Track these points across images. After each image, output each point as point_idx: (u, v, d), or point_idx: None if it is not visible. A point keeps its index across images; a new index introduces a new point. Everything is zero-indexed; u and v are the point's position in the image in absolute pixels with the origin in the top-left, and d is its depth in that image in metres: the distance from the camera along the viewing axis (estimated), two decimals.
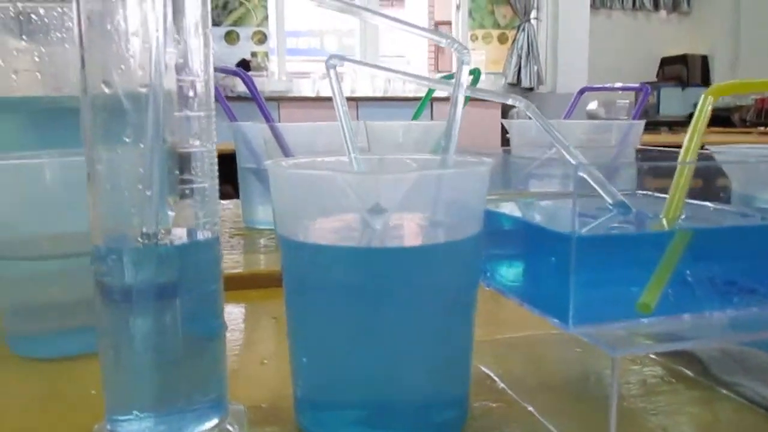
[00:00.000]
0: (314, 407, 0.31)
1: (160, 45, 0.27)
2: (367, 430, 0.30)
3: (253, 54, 3.71)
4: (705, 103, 0.39)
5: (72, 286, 0.42)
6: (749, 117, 3.76)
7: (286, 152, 0.64)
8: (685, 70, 4.43)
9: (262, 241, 0.71)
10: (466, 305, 0.30)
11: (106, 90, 0.27)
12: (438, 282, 0.28)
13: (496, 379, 0.37)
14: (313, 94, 3.67)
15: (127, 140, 0.28)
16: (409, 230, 0.28)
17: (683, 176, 0.34)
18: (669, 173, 0.36)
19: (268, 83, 3.60)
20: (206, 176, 0.29)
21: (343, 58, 0.39)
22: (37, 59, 0.60)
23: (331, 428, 0.30)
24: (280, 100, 3.36)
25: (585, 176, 0.31)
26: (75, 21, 0.28)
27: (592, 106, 3.50)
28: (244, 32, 3.70)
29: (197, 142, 0.28)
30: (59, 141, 0.57)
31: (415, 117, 0.80)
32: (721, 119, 3.80)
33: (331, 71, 0.38)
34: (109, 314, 0.29)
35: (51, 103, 0.62)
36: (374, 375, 0.29)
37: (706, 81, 4.43)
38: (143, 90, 0.28)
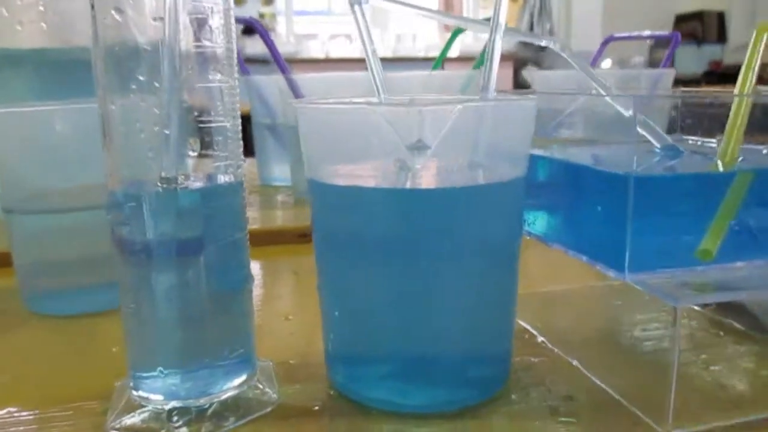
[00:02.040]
0: (347, 362, 0.29)
1: None
2: (403, 386, 0.28)
3: (261, 15, 3.64)
4: (758, 39, 0.36)
5: (89, 242, 0.41)
6: (765, 75, 3.66)
7: None
8: (701, 27, 4.31)
9: (279, 198, 0.69)
10: (509, 254, 0.28)
11: (118, 18, 0.25)
12: (479, 228, 0.26)
13: (534, 333, 0.35)
14: (322, 56, 3.61)
15: (142, 78, 0.26)
16: (450, 170, 0.25)
17: (740, 113, 0.32)
18: (714, 117, 0.34)
19: (276, 45, 3.53)
20: (227, 115, 0.27)
21: None
22: (42, 9, 0.58)
23: (364, 384, 0.29)
24: (289, 62, 3.30)
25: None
26: None
27: (606, 64, 3.42)
28: None
29: (218, 76, 0.26)
30: (67, 95, 0.55)
31: (435, 67, 0.77)
32: (736, 77, 3.70)
33: (356, 7, 0.35)
34: (129, 265, 0.27)
35: (58, 55, 0.59)
36: (411, 328, 0.27)
37: (722, 38, 4.32)
38: (157, 22, 0.25)
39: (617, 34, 0.82)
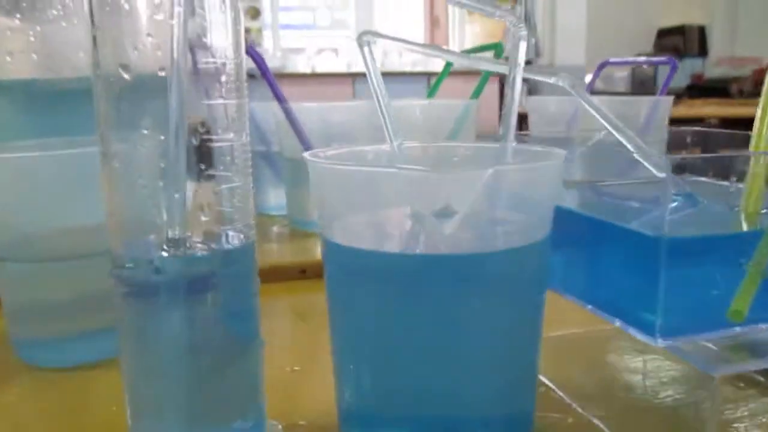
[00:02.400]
0: (364, 423, 0.28)
1: (182, 21, 0.24)
2: None
3: (247, 30, 3.63)
4: None
5: (84, 285, 0.39)
6: (746, 88, 3.71)
7: (300, 135, 0.60)
8: (682, 41, 4.37)
9: (275, 229, 0.68)
10: (533, 312, 0.27)
11: (125, 75, 0.23)
12: (504, 290, 0.25)
13: (550, 385, 0.34)
14: (308, 71, 3.60)
15: (146, 132, 0.25)
16: (474, 234, 0.24)
17: (759, 165, 0.31)
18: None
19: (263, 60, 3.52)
20: (239, 173, 0.26)
21: (377, 35, 0.35)
22: (32, 39, 0.56)
23: None
24: (276, 76, 3.29)
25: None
26: None
27: (587, 79, 3.44)
28: None
29: (230, 135, 0.25)
30: (58, 127, 0.53)
31: (430, 95, 0.76)
32: (718, 90, 3.75)
33: (365, 49, 0.34)
34: (134, 332, 0.25)
35: (49, 86, 0.58)
36: (433, 388, 0.26)
37: (703, 52, 4.38)
38: (162, 74, 0.24)
39: (612, 59, 0.82)
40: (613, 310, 0.28)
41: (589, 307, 0.30)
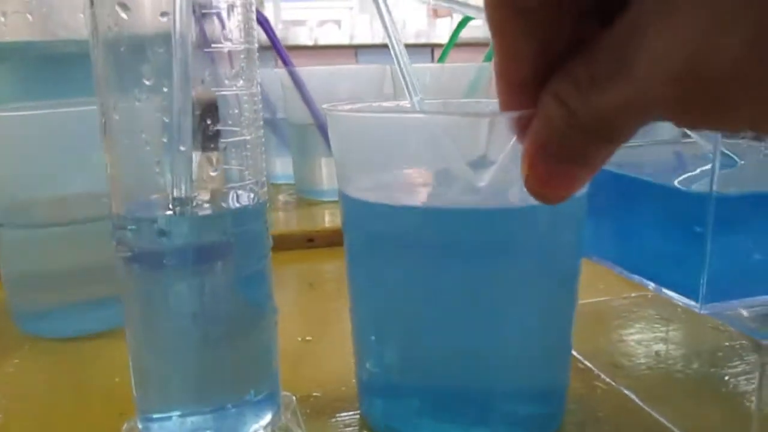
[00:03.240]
0: (387, 394, 0.26)
1: None
2: (451, 426, 0.25)
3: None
4: None
5: (85, 253, 0.37)
6: None
7: (306, 100, 0.58)
8: None
9: (282, 198, 0.66)
10: (569, 276, 0.25)
11: (123, 15, 0.21)
12: (539, 248, 0.23)
13: (577, 356, 0.32)
14: (311, 43, 3.55)
15: (147, 83, 0.23)
16: (504, 187, 0.22)
17: None
18: None
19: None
20: (249, 126, 0.24)
21: None
22: None
23: (405, 420, 0.26)
24: None
25: None
26: None
27: None
28: None
29: (240, 83, 0.23)
30: (55, 91, 0.51)
31: (441, 59, 0.73)
32: None
33: (380, 1, 0.32)
34: (139, 299, 0.24)
35: (45, 49, 0.55)
36: (461, 356, 0.24)
37: None
38: (164, 19, 0.22)
39: None
40: (647, 272, 0.26)
41: (618, 269, 0.28)
